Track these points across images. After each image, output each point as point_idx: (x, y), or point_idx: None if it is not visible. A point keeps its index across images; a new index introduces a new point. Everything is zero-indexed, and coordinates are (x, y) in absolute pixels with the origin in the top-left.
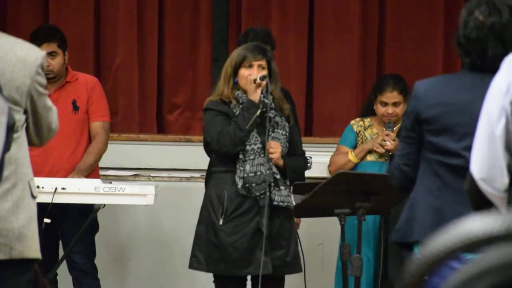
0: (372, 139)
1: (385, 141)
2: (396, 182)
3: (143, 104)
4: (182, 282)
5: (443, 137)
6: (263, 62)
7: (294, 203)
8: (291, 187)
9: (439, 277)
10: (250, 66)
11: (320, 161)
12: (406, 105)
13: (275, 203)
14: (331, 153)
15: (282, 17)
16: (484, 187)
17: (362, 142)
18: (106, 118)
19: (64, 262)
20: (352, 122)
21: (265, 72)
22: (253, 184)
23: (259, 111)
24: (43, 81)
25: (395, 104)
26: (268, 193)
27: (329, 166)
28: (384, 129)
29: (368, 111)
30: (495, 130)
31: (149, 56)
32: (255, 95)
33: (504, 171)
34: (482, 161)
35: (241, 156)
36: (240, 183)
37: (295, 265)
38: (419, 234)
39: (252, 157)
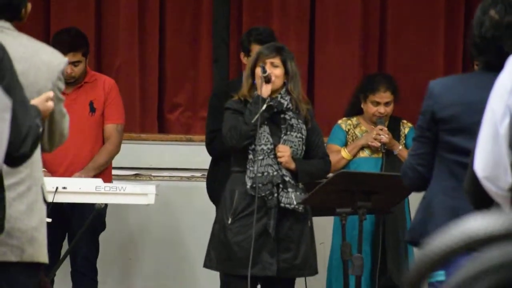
0: (365, 135)
1: (379, 135)
2: (409, 182)
3: (144, 104)
4: (183, 282)
5: (460, 137)
6: (276, 60)
7: (302, 207)
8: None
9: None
10: (264, 64)
11: None
12: (395, 103)
13: (281, 205)
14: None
15: (283, 16)
16: (487, 185)
17: (353, 140)
18: (120, 121)
19: (66, 261)
20: (340, 121)
21: (278, 70)
22: (260, 185)
23: (265, 105)
24: (62, 86)
25: (386, 104)
26: (275, 194)
27: None
28: (376, 124)
29: (353, 111)
30: (499, 128)
31: (150, 56)
32: (262, 90)
33: (508, 170)
34: (486, 160)
35: (251, 156)
36: (249, 183)
37: (305, 268)
38: (435, 234)
39: (261, 157)
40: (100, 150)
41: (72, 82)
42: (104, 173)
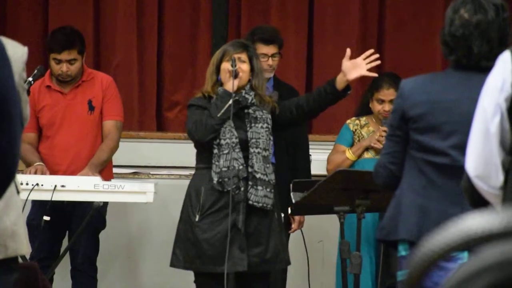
0: (369, 136)
1: (382, 136)
2: (381, 180)
3: (143, 102)
4: (182, 280)
5: (428, 136)
6: (243, 55)
7: (270, 204)
8: (291, 186)
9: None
10: (231, 59)
11: (319, 158)
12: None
13: (250, 202)
14: (331, 151)
15: (282, 14)
16: (479, 184)
17: (359, 141)
18: (119, 118)
19: (66, 259)
20: (348, 121)
21: (245, 65)
22: (226, 179)
23: (231, 100)
24: (25, 76)
25: (391, 101)
26: (242, 188)
27: (326, 164)
28: (381, 125)
29: (363, 110)
30: (490, 127)
31: (148, 54)
32: (229, 85)
33: (499, 168)
34: (477, 158)
35: (216, 151)
36: (215, 178)
37: (276, 262)
38: (404, 232)
39: (226, 151)
40: (101, 146)
41: (69, 80)
42: (105, 170)
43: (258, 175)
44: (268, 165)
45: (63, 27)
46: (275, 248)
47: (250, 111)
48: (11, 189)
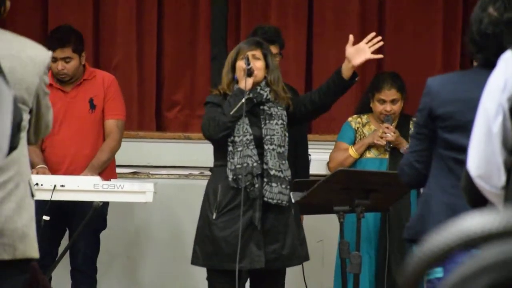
0: (371, 133)
1: (385, 133)
2: (407, 178)
3: (142, 102)
4: (181, 279)
5: (457, 134)
6: (257, 53)
7: (286, 201)
8: (293, 185)
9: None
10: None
11: (319, 158)
12: (402, 103)
13: (265, 199)
14: (331, 151)
15: (281, 15)
16: (481, 184)
17: (360, 139)
18: (120, 117)
19: (66, 259)
20: (350, 119)
21: (259, 62)
22: (239, 176)
23: (244, 98)
24: (48, 80)
25: (393, 102)
26: (256, 185)
27: (328, 162)
28: (383, 122)
29: (363, 109)
30: (492, 126)
31: (148, 54)
32: (243, 83)
33: (501, 168)
34: (479, 158)
35: (230, 148)
36: (230, 176)
37: (292, 258)
38: (434, 232)
39: (240, 148)
40: (102, 147)
41: (69, 79)
42: (109, 169)
43: (272, 172)
44: (283, 162)
45: (60, 26)
46: (292, 244)
47: (266, 107)
48: (25, 191)
